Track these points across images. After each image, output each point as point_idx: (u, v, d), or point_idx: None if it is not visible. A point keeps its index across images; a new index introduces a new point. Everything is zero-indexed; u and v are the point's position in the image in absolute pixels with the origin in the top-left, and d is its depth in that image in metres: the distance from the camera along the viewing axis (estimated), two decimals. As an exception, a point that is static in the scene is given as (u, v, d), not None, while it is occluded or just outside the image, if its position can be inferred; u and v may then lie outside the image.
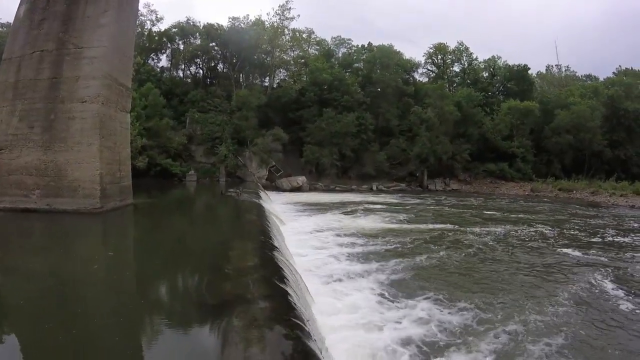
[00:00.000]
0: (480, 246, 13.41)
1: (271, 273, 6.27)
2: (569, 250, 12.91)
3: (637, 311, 7.64)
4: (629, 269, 10.71)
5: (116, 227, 12.62)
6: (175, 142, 33.29)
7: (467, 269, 10.60)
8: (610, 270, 10.37)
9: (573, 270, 10.62)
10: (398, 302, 7.68)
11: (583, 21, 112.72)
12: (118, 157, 14.36)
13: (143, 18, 41.34)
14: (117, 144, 14.27)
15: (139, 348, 4.37)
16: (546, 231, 16.54)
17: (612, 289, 8.95)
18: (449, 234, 15.35)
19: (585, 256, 12.19)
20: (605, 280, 9.54)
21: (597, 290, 8.87)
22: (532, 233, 16.16)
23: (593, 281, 9.46)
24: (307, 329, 4.70)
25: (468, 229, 16.59)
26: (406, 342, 6.03)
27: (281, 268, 6.70)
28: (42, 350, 4.05)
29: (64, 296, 5.60)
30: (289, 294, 5.52)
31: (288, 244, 10.95)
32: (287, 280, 6.15)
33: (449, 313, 7.20)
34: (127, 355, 4.19)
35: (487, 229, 16.65)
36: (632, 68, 51.61)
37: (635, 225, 19.14)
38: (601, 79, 54.37)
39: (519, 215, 21.33)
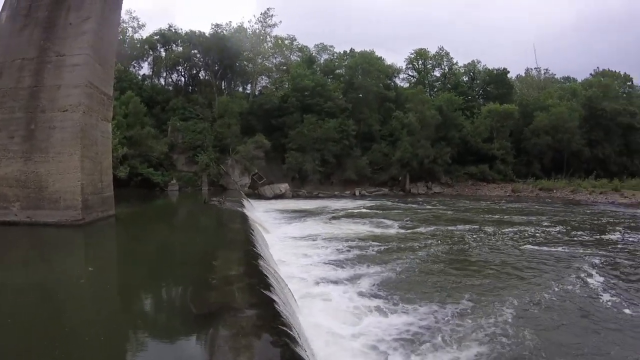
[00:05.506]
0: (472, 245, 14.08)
1: (256, 281, 6.31)
2: (551, 247, 13.62)
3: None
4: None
5: (98, 239, 12.40)
6: (156, 150, 32.97)
7: (447, 269, 10.83)
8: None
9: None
10: (383, 303, 7.88)
11: (560, 25, 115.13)
12: (99, 167, 14.17)
13: (125, 25, 41.15)
14: (98, 154, 14.07)
15: (126, 362, 4.39)
16: (532, 230, 17.20)
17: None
18: (431, 237, 15.54)
19: (577, 251, 12.99)
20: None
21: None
22: (520, 232, 16.67)
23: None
24: (294, 335, 4.76)
25: (451, 229, 17.09)
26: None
27: (266, 276, 6.74)
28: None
29: (46, 312, 5.52)
30: (274, 301, 5.58)
31: (272, 252, 11.00)
32: (273, 287, 6.20)
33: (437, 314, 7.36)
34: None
35: (476, 227, 17.25)
36: (609, 69, 52.97)
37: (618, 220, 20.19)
38: (579, 80, 55.68)
39: (504, 217, 21.83)
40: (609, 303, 8.22)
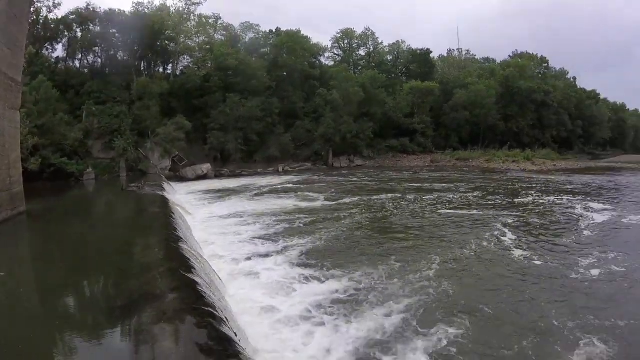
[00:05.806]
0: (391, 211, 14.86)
1: (177, 265, 6.22)
2: (461, 210, 14.72)
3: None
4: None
5: (8, 240, 11.13)
6: (70, 138, 30.71)
7: (373, 235, 11.38)
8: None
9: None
10: (315, 271, 8.20)
11: (482, 10, 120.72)
12: (7, 160, 12.84)
13: (39, 4, 37.38)
14: (5, 147, 12.73)
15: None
16: (451, 196, 18.51)
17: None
18: (356, 207, 16.00)
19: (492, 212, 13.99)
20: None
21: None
22: (440, 198, 17.83)
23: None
24: (218, 314, 4.76)
25: (375, 199, 17.93)
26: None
27: (187, 258, 6.66)
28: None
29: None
30: (197, 283, 5.53)
31: (195, 233, 10.86)
32: (194, 269, 6.13)
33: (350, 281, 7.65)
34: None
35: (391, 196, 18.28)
36: (527, 52, 57.55)
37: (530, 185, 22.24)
38: (498, 61, 59.50)
39: (424, 185, 23.02)
40: (522, 257, 9.17)
